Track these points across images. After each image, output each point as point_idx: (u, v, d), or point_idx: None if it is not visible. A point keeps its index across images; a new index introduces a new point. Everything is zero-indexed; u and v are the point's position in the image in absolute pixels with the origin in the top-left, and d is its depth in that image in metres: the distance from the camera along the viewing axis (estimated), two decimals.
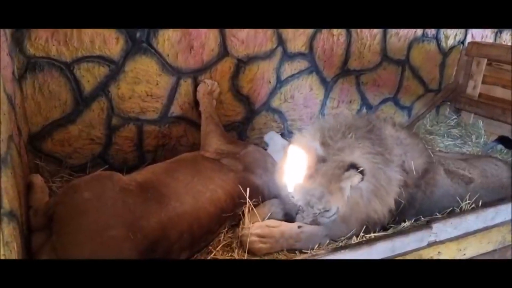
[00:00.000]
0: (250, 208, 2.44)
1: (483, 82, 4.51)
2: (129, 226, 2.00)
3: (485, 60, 4.45)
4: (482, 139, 4.26)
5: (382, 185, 2.32)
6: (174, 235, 2.14)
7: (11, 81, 2.35)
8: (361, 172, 2.22)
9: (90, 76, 2.85)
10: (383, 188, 2.33)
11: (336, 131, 2.39)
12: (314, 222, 2.39)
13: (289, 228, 2.39)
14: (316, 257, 1.97)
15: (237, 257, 2.26)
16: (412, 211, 2.58)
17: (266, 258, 2.31)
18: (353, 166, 2.23)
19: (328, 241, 2.38)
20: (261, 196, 2.68)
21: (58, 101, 2.81)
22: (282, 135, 3.69)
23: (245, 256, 2.26)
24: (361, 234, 2.32)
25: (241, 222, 2.45)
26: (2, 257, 1.49)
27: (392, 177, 2.37)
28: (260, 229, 2.34)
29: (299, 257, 2.18)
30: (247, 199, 2.39)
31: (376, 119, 2.66)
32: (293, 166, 2.40)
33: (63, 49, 2.71)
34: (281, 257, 2.33)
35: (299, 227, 2.39)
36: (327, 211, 2.34)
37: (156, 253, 2.07)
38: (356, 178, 2.23)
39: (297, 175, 2.38)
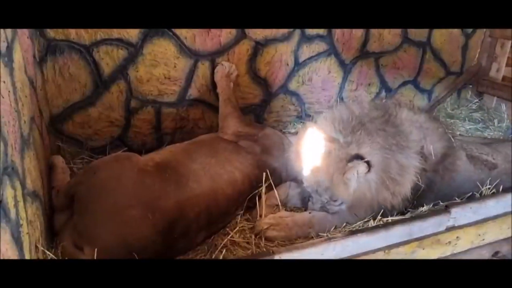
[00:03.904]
0: (269, 190, 2.47)
1: (507, 65, 4.37)
2: (148, 205, 2.04)
3: (510, 42, 4.30)
4: (504, 123, 4.15)
5: (393, 177, 2.30)
6: (191, 215, 2.18)
7: (32, 64, 2.39)
8: (367, 163, 2.23)
9: (109, 59, 2.87)
10: (394, 180, 2.31)
11: (347, 124, 2.39)
12: (324, 209, 2.46)
13: (301, 216, 2.45)
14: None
15: (253, 242, 2.30)
16: (430, 195, 2.55)
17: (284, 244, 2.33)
18: (357, 157, 2.25)
19: (344, 224, 2.38)
20: (278, 178, 2.69)
21: (78, 83, 2.85)
22: None
23: (263, 242, 2.30)
24: (378, 217, 2.32)
25: (257, 205, 2.47)
26: (26, 236, 1.54)
27: (407, 165, 2.35)
28: (273, 219, 2.39)
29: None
30: (263, 183, 2.42)
31: (392, 105, 2.62)
32: (303, 154, 2.45)
33: (82, 32, 2.72)
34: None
35: (309, 212, 2.46)
36: (335, 200, 2.41)
37: (174, 233, 2.11)
38: (361, 167, 2.23)
39: (307, 162, 2.43)
